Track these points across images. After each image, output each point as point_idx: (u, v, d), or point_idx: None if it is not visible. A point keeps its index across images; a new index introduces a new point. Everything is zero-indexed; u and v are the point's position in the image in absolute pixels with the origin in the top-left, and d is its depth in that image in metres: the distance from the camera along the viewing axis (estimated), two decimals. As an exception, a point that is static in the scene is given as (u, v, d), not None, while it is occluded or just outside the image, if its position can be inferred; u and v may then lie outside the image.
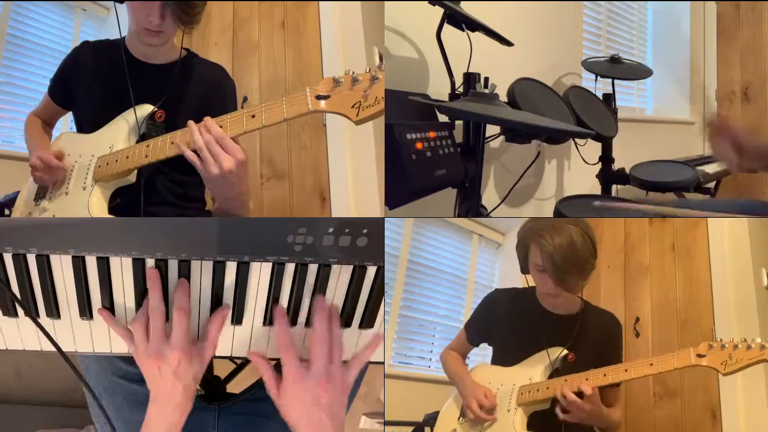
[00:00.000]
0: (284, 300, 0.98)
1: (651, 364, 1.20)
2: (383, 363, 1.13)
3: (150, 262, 0.91)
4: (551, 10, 2.19)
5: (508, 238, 2.76)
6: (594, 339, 1.40)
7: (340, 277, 0.97)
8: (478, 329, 1.54)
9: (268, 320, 0.99)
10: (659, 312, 1.90)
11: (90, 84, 1.34)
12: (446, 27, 1.50)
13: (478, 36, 1.58)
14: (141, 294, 0.93)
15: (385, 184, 1.25)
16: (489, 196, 1.93)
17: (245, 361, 1.33)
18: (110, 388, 1.10)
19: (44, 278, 0.91)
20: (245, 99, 1.97)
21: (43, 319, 0.95)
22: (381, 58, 1.67)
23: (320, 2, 1.98)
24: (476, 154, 1.46)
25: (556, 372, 1.34)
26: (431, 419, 1.47)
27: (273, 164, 1.99)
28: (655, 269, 1.95)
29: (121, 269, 0.92)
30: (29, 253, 0.89)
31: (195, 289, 0.94)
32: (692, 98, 3.08)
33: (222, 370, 1.31)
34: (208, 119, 1.09)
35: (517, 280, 1.53)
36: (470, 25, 1.53)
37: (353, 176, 1.91)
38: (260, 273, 0.95)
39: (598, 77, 2.22)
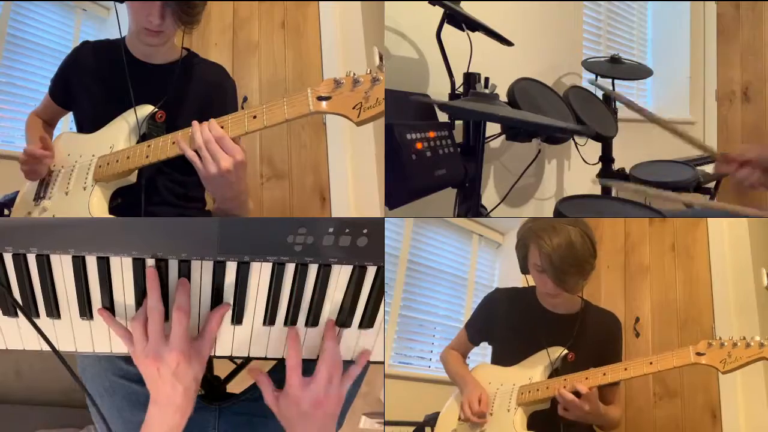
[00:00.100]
0: (284, 300, 0.98)
1: (650, 363, 1.20)
2: (383, 363, 1.13)
3: (150, 262, 0.91)
4: (551, 10, 2.19)
5: (508, 238, 2.76)
6: (594, 338, 1.40)
7: (340, 277, 0.97)
8: (478, 329, 1.54)
9: (268, 320, 0.99)
10: (659, 312, 1.91)
11: (90, 84, 1.34)
12: (446, 27, 1.50)
13: (478, 36, 1.58)
14: (141, 294, 0.93)
15: (385, 184, 1.25)
16: (489, 196, 1.93)
17: (245, 361, 1.34)
18: (110, 389, 1.10)
19: (44, 278, 0.91)
20: (245, 99, 1.97)
21: (43, 319, 0.95)
22: (381, 58, 1.67)
23: (320, 2, 1.98)
24: (476, 154, 1.46)
25: (555, 372, 1.34)
26: (431, 419, 1.47)
27: (273, 164, 1.99)
28: (655, 269, 1.95)
29: (122, 269, 0.92)
30: (29, 253, 0.89)
31: (195, 289, 0.95)
32: (692, 98, 3.07)
33: (222, 370, 1.31)
34: (210, 120, 1.09)
35: (517, 280, 1.53)
36: (470, 25, 1.53)
37: (353, 176, 1.91)
38: (260, 273, 0.95)
39: (598, 77, 2.22)
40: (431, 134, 1.31)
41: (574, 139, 2.05)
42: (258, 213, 1.88)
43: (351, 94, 1.02)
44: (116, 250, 0.89)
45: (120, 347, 0.97)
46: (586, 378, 1.25)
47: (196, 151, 1.09)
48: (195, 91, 1.32)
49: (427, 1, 1.47)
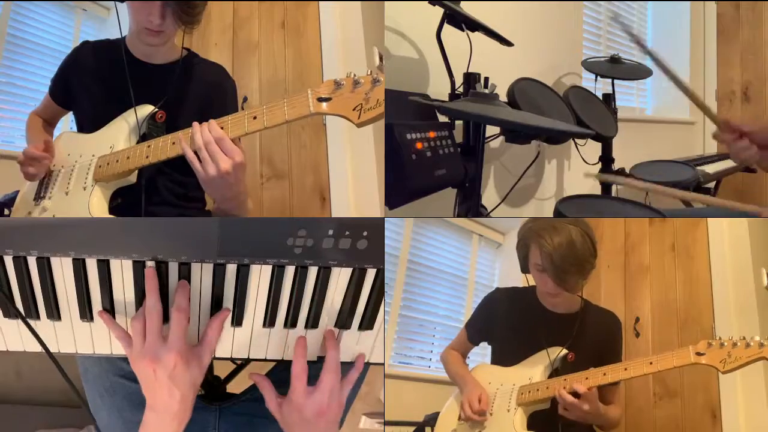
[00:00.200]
0: (284, 302, 0.98)
1: (650, 363, 1.20)
2: (383, 363, 1.13)
3: (150, 264, 0.91)
4: (551, 10, 2.18)
5: (508, 238, 2.76)
6: (594, 338, 1.40)
7: (339, 279, 0.97)
8: (478, 328, 1.54)
9: (268, 322, 0.99)
10: (659, 312, 1.91)
11: (90, 84, 1.34)
12: (446, 27, 1.50)
13: (478, 36, 1.58)
14: (141, 295, 0.93)
15: (385, 184, 1.25)
16: (489, 196, 1.93)
17: (245, 362, 1.34)
18: (111, 389, 1.10)
19: (45, 280, 0.91)
20: (245, 99, 1.97)
21: (44, 320, 0.95)
22: (381, 58, 1.67)
23: (320, 2, 1.98)
24: (476, 154, 1.46)
25: (555, 372, 1.34)
26: (431, 419, 1.47)
27: (273, 164, 1.99)
28: (655, 269, 1.95)
29: (122, 270, 0.92)
30: (30, 256, 0.89)
31: (195, 291, 0.94)
32: (692, 98, 3.07)
33: (222, 370, 1.31)
34: (210, 120, 1.09)
35: (517, 279, 1.54)
36: (470, 25, 1.53)
37: (353, 176, 1.91)
38: (260, 275, 0.95)
39: (598, 77, 2.22)
40: (431, 134, 1.31)
41: (574, 140, 2.05)
42: (258, 213, 1.88)
43: (351, 96, 1.01)
44: (116, 253, 0.89)
45: (120, 349, 0.97)
46: (586, 378, 1.25)
47: (195, 153, 1.08)
48: (195, 91, 1.32)
49: (427, 1, 1.47)
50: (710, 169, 2.12)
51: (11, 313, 0.94)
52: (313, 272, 0.95)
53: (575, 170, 2.29)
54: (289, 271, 0.95)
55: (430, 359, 2.45)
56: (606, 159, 2.14)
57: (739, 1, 3.01)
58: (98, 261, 0.90)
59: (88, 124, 1.31)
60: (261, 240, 0.90)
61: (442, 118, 1.47)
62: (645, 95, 3.08)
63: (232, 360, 1.30)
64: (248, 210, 1.21)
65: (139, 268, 0.91)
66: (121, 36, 1.31)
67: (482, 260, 2.74)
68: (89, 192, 1.20)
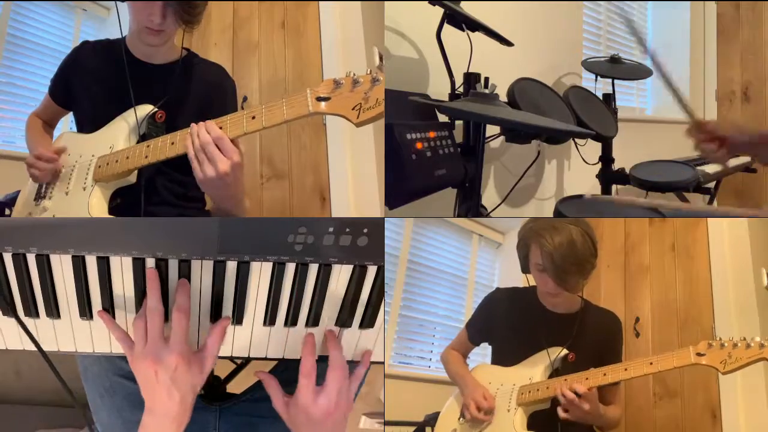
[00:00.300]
0: (284, 299, 0.98)
1: (651, 363, 1.20)
2: (383, 363, 1.13)
3: (150, 262, 0.91)
4: (551, 10, 2.19)
5: (508, 238, 2.76)
6: (594, 338, 1.40)
7: (340, 276, 0.97)
8: (478, 328, 1.54)
9: (269, 320, 0.99)
10: (659, 312, 1.91)
11: (90, 84, 1.34)
12: (446, 27, 1.50)
13: (478, 36, 1.58)
14: (141, 294, 0.93)
15: (385, 184, 1.25)
16: (489, 196, 1.93)
17: (245, 361, 1.33)
18: (111, 389, 1.10)
19: (44, 278, 0.91)
20: (245, 99, 1.97)
21: (43, 319, 0.95)
22: (381, 58, 1.67)
23: (320, 2, 1.98)
24: (476, 154, 1.46)
25: (556, 372, 1.34)
26: (432, 419, 1.47)
27: (273, 164, 1.99)
28: (655, 269, 1.95)
29: (121, 269, 0.92)
30: (29, 253, 0.88)
31: (195, 289, 0.94)
32: (692, 98, 3.07)
33: (222, 370, 1.31)
34: (207, 121, 1.09)
35: (517, 279, 1.54)
36: (470, 25, 1.53)
37: (353, 176, 1.91)
38: (260, 273, 0.95)
39: (598, 77, 2.22)
40: (431, 134, 1.31)
41: (574, 140, 2.05)
42: (258, 213, 1.88)
43: (350, 95, 1.01)
44: (116, 250, 0.89)
45: (120, 348, 0.97)
46: (587, 378, 1.25)
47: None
48: (195, 91, 1.32)
49: (427, 1, 1.47)
50: (710, 169, 2.12)
51: (8, 311, 0.93)
52: (313, 269, 0.95)
53: (575, 170, 2.29)
54: (290, 269, 0.95)
55: (430, 359, 2.45)
56: (606, 159, 2.14)
57: (739, 1, 3.02)
58: (98, 258, 0.89)
59: (88, 124, 1.31)
60: (261, 237, 0.89)
61: (442, 118, 1.47)
62: (645, 95, 3.08)
63: (232, 359, 1.30)
64: (246, 209, 1.21)
65: (139, 267, 0.91)
66: (121, 36, 1.32)
67: (482, 260, 2.74)
68: (89, 192, 1.20)
